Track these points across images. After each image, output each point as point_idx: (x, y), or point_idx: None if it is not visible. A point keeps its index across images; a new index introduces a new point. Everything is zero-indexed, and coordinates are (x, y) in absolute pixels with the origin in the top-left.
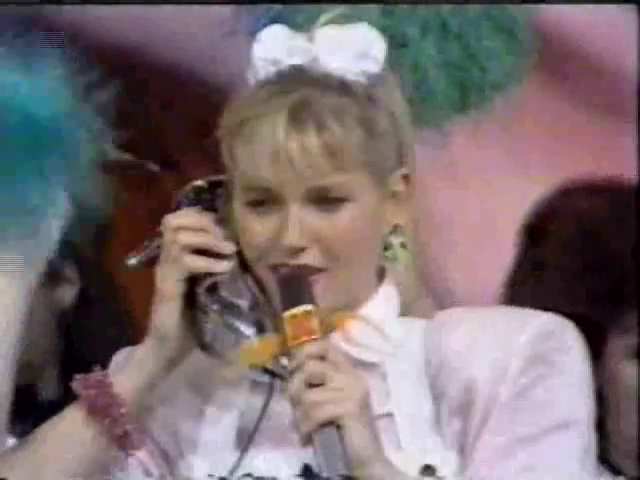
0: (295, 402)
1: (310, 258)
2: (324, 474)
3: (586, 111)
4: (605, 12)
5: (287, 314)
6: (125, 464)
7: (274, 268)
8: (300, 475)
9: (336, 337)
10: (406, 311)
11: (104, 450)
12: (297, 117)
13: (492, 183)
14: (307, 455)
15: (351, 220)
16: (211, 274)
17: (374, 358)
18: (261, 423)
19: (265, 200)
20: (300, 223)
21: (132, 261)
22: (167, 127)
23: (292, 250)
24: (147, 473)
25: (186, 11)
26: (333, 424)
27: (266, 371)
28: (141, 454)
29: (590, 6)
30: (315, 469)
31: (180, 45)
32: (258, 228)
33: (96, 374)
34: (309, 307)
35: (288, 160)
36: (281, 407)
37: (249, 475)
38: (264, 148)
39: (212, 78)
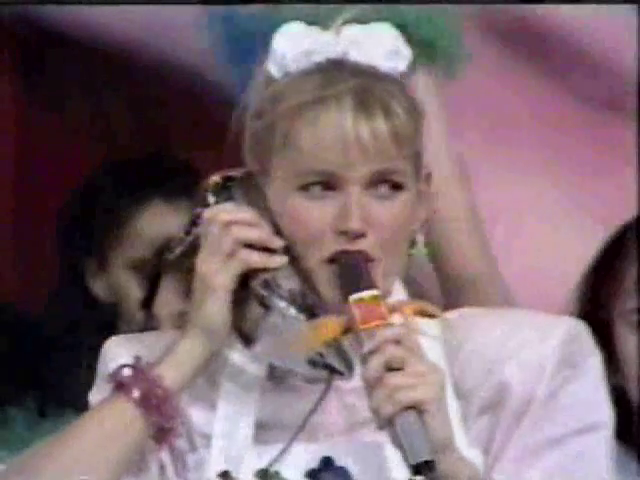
0: (373, 385)
1: (368, 244)
2: (408, 459)
3: (586, 112)
4: (605, 12)
5: (354, 297)
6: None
7: (331, 258)
8: (319, 468)
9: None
10: None
11: (147, 442)
12: (363, 102)
13: (490, 180)
14: (326, 449)
15: (403, 209)
16: (265, 269)
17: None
18: (298, 418)
19: (321, 185)
20: (361, 208)
21: (171, 255)
22: (167, 127)
23: (353, 235)
24: (160, 463)
25: (188, 11)
26: (414, 408)
27: (325, 366)
28: None
29: (590, 6)
30: (335, 461)
31: (182, 44)
32: (315, 214)
33: (140, 365)
34: (376, 292)
35: (358, 144)
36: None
37: (263, 471)
38: (331, 132)
39: (214, 77)
